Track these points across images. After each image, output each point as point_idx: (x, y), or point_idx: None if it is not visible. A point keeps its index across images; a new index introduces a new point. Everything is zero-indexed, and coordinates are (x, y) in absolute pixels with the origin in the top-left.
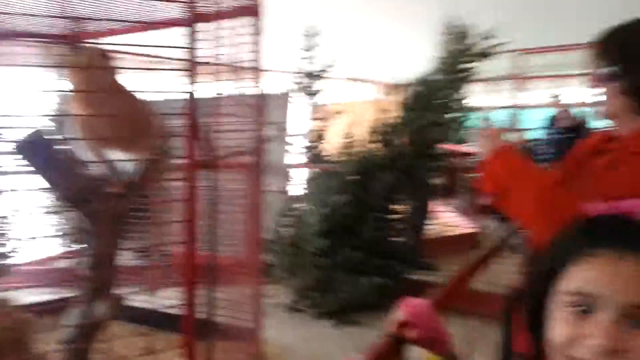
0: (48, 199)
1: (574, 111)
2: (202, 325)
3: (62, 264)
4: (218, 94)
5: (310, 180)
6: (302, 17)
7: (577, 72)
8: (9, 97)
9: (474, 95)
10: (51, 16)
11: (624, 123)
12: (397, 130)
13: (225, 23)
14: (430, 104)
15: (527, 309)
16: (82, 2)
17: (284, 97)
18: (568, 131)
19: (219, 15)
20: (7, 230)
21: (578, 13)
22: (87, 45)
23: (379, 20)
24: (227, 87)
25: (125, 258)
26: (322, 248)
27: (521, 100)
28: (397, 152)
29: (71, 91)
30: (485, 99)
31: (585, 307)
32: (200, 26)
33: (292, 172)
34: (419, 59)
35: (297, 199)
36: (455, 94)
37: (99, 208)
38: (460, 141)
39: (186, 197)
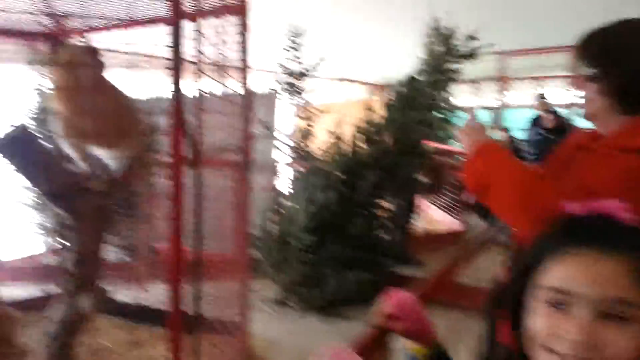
0: (31, 195)
1: (557, 112)
2: (188, 320)
3: (46, 259)
4: (204, 92)
5: (297, 178)
6: (288, 16)
7: (559, 73)
8: None
9: (459, 96)
10: (35, 13)
11: (604, 123)
12: (382, 129)
13: (211, 21)
14: (415, 104)
15: (508, 302)
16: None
17: (270, 96)
18: (551, 132)
19: (204, 14)
20: None
21: (560, 16)
22: (71, 42)
23: (364, 21)
24: (214, 85)
25: (111, 253)
26: (309, 244)
27: (504, 101)
28: (382, 150)
29: (54, 88)
30: (469, 99)
31: (563, 303)
32: (185, 24)
33: (279, 169)
34: (404, 59)
35: (284, 196)
36: (440, 94)
37: (82, 204)
38: (445, 139)
39: (172, 193)
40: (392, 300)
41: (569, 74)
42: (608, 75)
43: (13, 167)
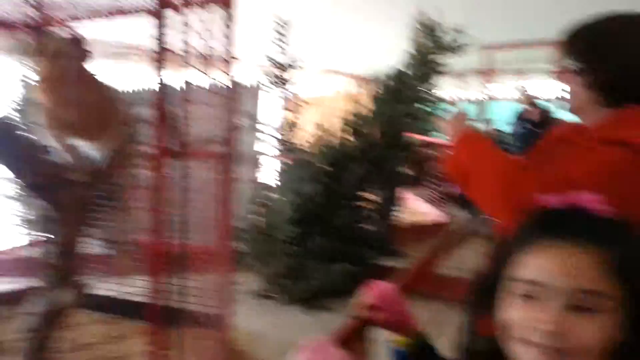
0: (13, 187)
1: (541, 106)
2: (170, 313)
3: (27, 252)
4: (188, 83)
5: (283, 170)
6: (274, 8)
7: (544, 67)
8: None
9: (444, 89)
10: (18, 2)
11: (589, 116)
12: (368, 122)
13: (197, 12)
14: (402, 97)
15: (487, 294)
16: None
17: (256, 88)
18: (535, 125)
19: (189, 4)
20: None
21: (545, 10)
22: (55, 32)
23: (352, 14)
24: (198, 76)
25: (93, 246)
26: (293, 236)
27: (490, 94)
28: (369, 143)
29: (37, 79)
30: (454, 92)
31: (535, 294)
32: (170, 15)
33: (264, 161)
34: (391, 52)
35: (270, 188)
36: (425, 87)
37: (64, 196)
38: (430, 132)
39: (154, 185)
40: (373, 291)
41: (554, 67)
42: (594, 69)
43: None
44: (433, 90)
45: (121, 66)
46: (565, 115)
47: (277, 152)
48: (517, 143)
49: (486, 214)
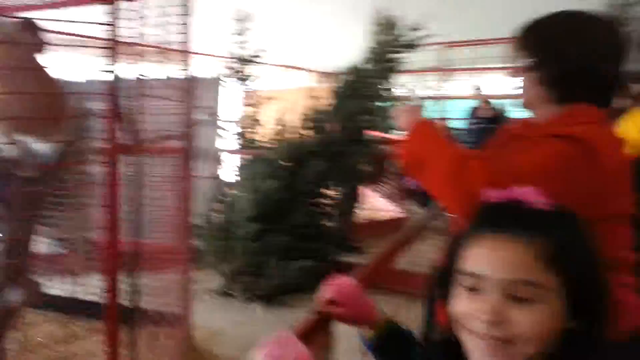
0: None
1: (494, 102)
2: (126, 312)
3: None
4: (144, 75)
5: (242, 166)
6: (234, 1)
7: (498, 64)
8: None
9: (403, 85)
10: None
11: (540, 112)
12: (328, 118)
13: (153, 2)
14: (361, 92)
15: (441, 287)
16: None
17: (215, 82)
18: (488, 122)
19: None
20: None
21: (499, 8)
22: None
23: (311, 8)
24: (154, 68)
25: (44, 244)
26: (252, 233)
27: (445, 91)
28: (328, 138)
29: None
30: (412, 88)
31: (477, 286)
32: (123, 4)
33: (224, 157)
34: (350, 48)
35: (228, 184)
36: (384, 83)
37: (11, 192)
38: (388, 129)
39: (107, 181)
40: (332, 286)
41: (507, 65)
42: (544, 66)
43: None
44: (392, 87)
45: (72, 57)
46: (517, 112)
47: (237, 148)
48: (470, 139)
49: (437, 200)
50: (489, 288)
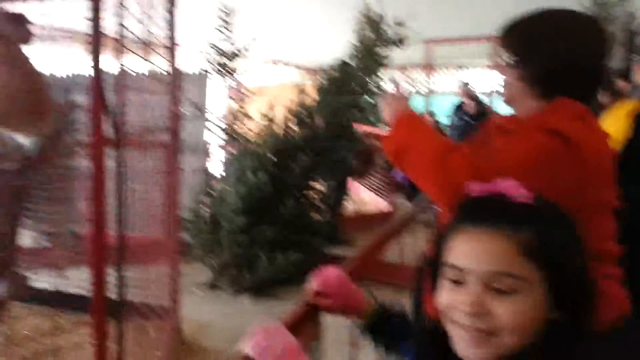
0: None
1: (479, 99)
2: (113, 305)
3: None
4: (127, 69)
5: (229, 160)
6: None
7: (482, 62)
8: None
9: (387, 81)
10: None
11: (522, 108)
12: (314, 113)
13: None
14: (346, 88)
15: (429, 279)
16: None
17: (202, 76)
18: (473, 118)
19: None
20: None
21: (484, 6)
22: None
23: (298, 4)
24: (140, 62)
25: (28, 238)
26: (240, 225)
27: (430, 88)
28: (314, 133)
29: None
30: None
31: (459, 278)
32: None
33: (211, 151)
34: (337, 43)
35: (216, 177)
36: (370, 79)
37: None
38: (375, 123)
39: (93, 175)
40: (320, 278)
41: (491, 62)
42: (526, 63)
43: None
44: (377, 82)
45: (57, 50)
46: (501, 108)
47: (223, 142)
48: (454, 135)
49: (421, 188)
50: (471, 280)
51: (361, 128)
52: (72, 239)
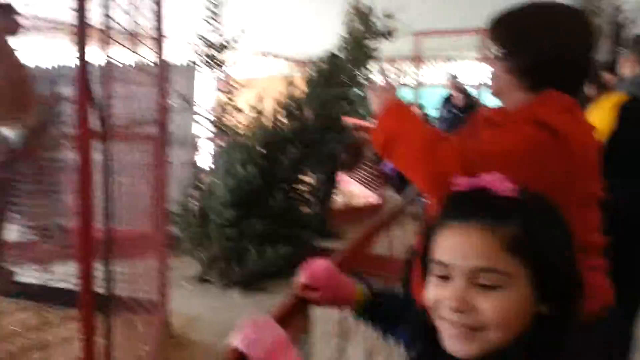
0: None
1: (467, 91)
2: (101, 300)
3: None
4: (114, 60)
5: (218, 153)
6: None
7: (471, 54)
8: None
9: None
10: None
11: (509, 100)
12: (303, 105)
13: None
14: (335, 80)
15: (418, 271)
16: None
17: (190, 68)
18: (461, 110)
19: None
20: None
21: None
22: None
23: None
24: (127, 54)
25: (15, 232)
26: (229, 218)
27: (419, 80)
28: (303, 125)
29: None
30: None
31: (445, 274)
32: None
33: (200, 144)
34: (326, 35)
35: (204, 170)
36: (360, 71)
37: None
38: (364, 116)
39: (79, 168)
40: (307, 271)
41: (480, 55)
42: (514, 55)
43: None
44: (366, 75)
45: (43, 42)
46: (489, 101)
47: (212, 134)
48: (442, 127)
49: (408, 177)
50: (454, 275)
51: (350, 121)
52: (58, 233)
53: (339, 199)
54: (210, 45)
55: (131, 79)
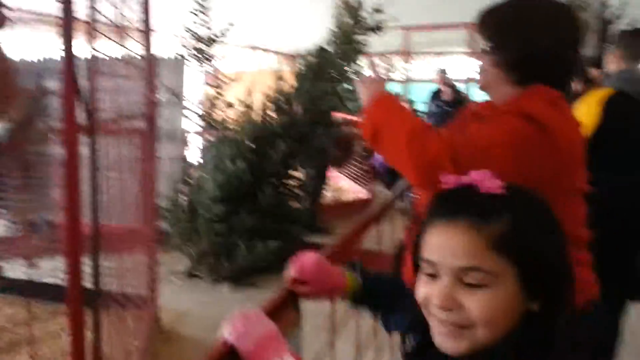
0: None
1: (455, 86)
2: (89, 294)
3: None
4: (100, 53)
5: (207, 147)
6: None
7: (458, 49)
8: None
9: (367, 68)
10: None
11: (497, 93)
12: (292, 99)
13: None
14: (324, 74)
15: (408, 265)
16: None
17: (178, 62)
18: (449, 105)
19: None
20: None
21: None
22: None
23: None
24: (114, 47)
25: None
26: (218, 213)
27: (408, 74)
28: (292, 120)
29: None
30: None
31: (433, 272)
32: None
33: (188, 138)
34: (315, 29)
35: (193, 165)
36: (349, 66)
37: None
38: (353, 111)
39: (66, 162)
40: (297, 265)
41: (468, 49)
42: (503, 49)
43: None
44: (355, 69)
45: (26, 34)
46: (478, 95)
47: (201, 129)
48: (431, 122)
49: (395, 167)
50: (441, 274)
51: (340, 116)
52: (46, 227)
53: (328, 194)
54: (199, 38)
55: (118, 73)
